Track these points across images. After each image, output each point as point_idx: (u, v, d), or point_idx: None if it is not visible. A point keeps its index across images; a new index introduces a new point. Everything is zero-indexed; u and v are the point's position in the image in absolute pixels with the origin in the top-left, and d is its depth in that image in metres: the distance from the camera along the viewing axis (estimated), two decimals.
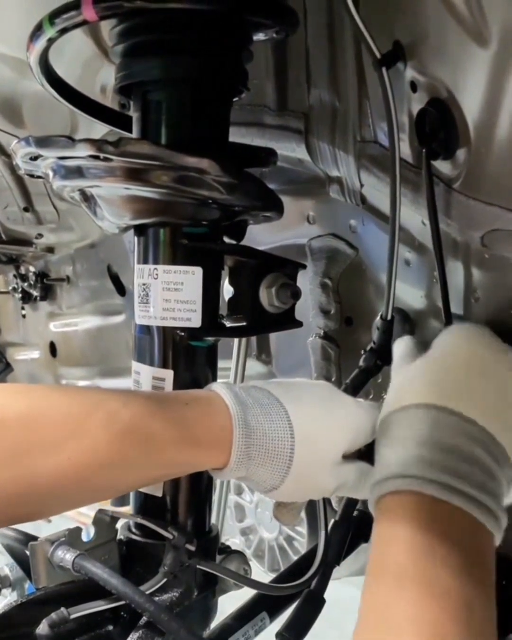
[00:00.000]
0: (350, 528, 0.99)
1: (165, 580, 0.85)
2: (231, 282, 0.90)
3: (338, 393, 0.80)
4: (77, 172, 0.83)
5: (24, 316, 2.43)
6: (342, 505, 1.00)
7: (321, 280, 1.15)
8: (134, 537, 0.91)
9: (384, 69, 0.80)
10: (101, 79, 1.14)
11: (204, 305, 0.87)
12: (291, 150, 1.05)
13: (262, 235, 1.18)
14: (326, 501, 0.92)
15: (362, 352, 0.99)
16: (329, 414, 0.76)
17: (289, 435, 0.74)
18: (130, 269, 0.93)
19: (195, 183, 0.81)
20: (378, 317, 0.95)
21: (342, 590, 1.20)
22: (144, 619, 0.80)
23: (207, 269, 0.87)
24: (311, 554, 0.95)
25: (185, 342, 0.88)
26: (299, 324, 0.95)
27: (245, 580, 0.91)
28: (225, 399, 0.74)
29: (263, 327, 0.98)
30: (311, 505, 0.90)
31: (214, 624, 0.95)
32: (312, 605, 0.94)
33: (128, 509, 0.94)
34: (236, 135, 0.96)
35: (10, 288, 2.35)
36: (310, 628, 0.92)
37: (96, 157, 0.79)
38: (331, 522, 0.98)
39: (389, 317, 0.93)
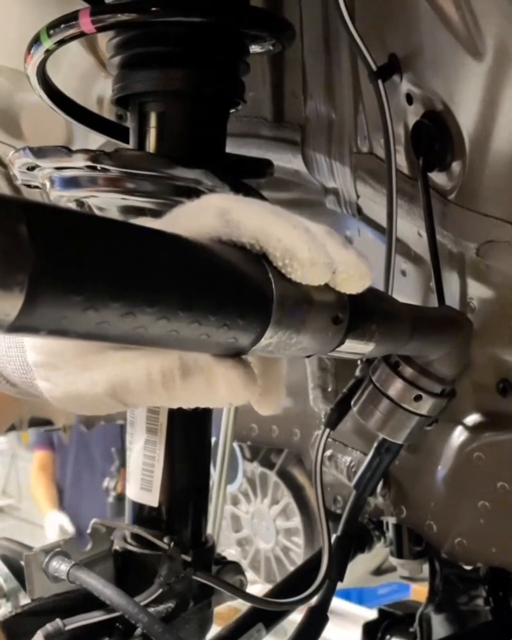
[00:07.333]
0: (353, 543, 0.98)
1: (160, 591, 0.84)
2: None
3: None
4: (74, 183, 0.83)
5: None
6: (343, 519, 0.99)
7: None
8: (129, 547, 0.91)
9: (380, 82, 0.81)
10: (98, 90, 1.14)
11: None
12: (287, 161, 1.05)
13: None
14: (328, 515, 0.91)
15: (358, 362, 0.99)
16: None
17: None
18: None
19: (191, 194, 0.81)
20: None
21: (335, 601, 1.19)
22: (139, 630, 0.80)
23: None
24: (307, 566, 0.94)
25: None
26: None
27: (243, 594, 0.90)
28: None
29: None
30: (309, 517, 0.89)
31: (210, 635, 0.94)
32: (316, 622, 0.92)
33: (124, 519, 0.94)
34: (233, 147, 0.96)
35: None
36: None
37: (93, 168, 0.79)
38: (334, 537, 0.97)
39: None
